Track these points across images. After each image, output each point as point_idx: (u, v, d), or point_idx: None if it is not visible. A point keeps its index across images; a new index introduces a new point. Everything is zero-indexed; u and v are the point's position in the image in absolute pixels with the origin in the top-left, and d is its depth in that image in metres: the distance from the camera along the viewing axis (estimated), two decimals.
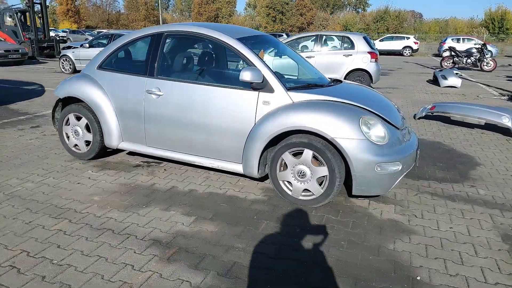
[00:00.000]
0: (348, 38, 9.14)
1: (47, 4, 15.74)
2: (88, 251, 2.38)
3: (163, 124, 3.50)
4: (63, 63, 11.59)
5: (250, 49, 3.29)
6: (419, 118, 6.43)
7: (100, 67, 3.83)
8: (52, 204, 3.00)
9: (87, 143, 3.91)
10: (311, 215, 2.94)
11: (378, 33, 45.06)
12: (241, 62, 3.73)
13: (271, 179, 3.17)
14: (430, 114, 6.35)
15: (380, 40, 27.35)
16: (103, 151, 3.97)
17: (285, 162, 3.09)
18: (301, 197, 3.08)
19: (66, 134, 3.99)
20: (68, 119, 3.95)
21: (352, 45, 9.01)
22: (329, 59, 8.95)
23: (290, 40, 9.50)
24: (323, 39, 9.30)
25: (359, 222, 2.85)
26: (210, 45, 3.94)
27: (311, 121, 2.92)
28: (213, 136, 3.32)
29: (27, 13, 15.77)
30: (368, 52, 8.86)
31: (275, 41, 4.23)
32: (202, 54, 3.96)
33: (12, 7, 16.16)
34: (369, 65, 8.85)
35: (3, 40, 14.81)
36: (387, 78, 12.52)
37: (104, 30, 35.27)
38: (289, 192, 3.11)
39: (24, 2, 15.72)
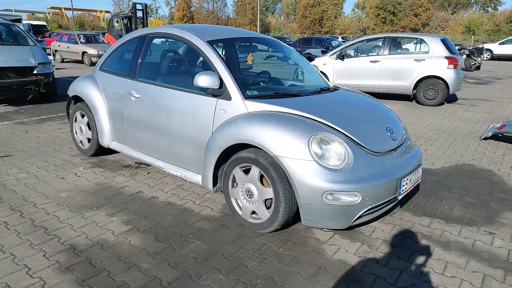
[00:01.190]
0: (423, 40, 8.06)
1: (147, 11, 17.44)
2: (7, 246, 2.46)
3: (138, 127, 3.48)
4: None
5: (216, 52, 3.04)
6: (484, 139, 5.29)
7: (101, 68, 4.00)
8: (23, 196, 3.21)
9: (89, 140, 4.12)
10: (251, 242, 2.58)
11: (511, 35, 39.60)
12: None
13: (224, 195, 2.89)
14: (499, 134, 5.18)
15: (500, 43, 23.68)
16: (105, 149, 4.14)
17: (235, 179, 2.78)
18: (250, 220, 2.73)
19: (75, 130, 4.27)
20: (76, 116, 4.22)
21: (426, 49, 7.91)
22: (396, 64, 8.01)
23: (354, 43, 8.77)
24: (393, 41, 8.35)
25: (300, 259, 2.40)
26: (183, 48, 3.79)
27: (258, 135, 2.56)
28: (176, 143, 3.17)
29: (131, 19, 17.64)
30: (446, 57, 7.67)
31: (275, 44, 3.88)
32: (175, 56, 3.82)
33: (120, 13, 18.30)
34: (446, 72, 7.66)
35: (107, 42, 16.91)
36: (484, 88, 10.72)
37: None
38: (239, 212, 2.79)
39: (129, 9, 17.56)
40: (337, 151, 2.48)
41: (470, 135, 5.50)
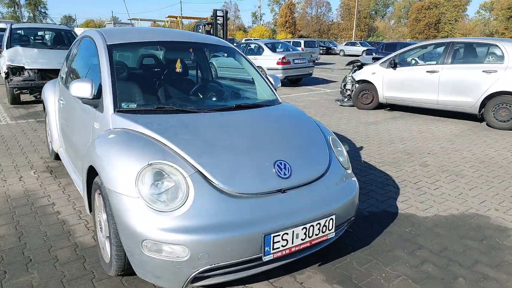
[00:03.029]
0: (496, 46, 6.43)
1: (228, 17, 17.89)
2: None
3: (63, 135, 3.34)
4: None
5: (108, 57, 2.66)
6: None
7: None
8: None
9: None
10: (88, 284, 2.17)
11: None
12: None
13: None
14: None
15: None
16: None
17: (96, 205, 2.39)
18: (103, 256, 2.32)
19: (47, 132, 4.36)
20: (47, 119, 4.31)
21: (500, 57, 6.30)
22: (460, 75, 6.55)
23: (411, 49, 7.46)
24: (458, 47, 6.88)
25: None
26: (92, 51, 3.46)
27: (97, 159, 2.14)
28: (75, 155, 2.92)
29: (211, 25, 18.28)
30: None
31: (226, 48, 3.38)
32: (85, 60, 3.39)
33: (202, 20, 19.13)
34: None
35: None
36: None
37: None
38: (99, 242, 2.40)
39: (210, 16, 18.25)
40: (175, 189, 1.92)
41: None
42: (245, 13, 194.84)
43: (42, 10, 66.72)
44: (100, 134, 2.33)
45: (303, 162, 2.27)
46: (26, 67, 6.86)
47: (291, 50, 12.28)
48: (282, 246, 1.98)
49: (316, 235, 2.10)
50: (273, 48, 11.82)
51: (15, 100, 7.35)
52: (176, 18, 70.08)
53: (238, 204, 1.95)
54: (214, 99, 2.97)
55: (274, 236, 1.93)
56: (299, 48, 19.50)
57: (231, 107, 2.70)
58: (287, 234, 1.98)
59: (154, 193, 1.89)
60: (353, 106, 8.16)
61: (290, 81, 12.25)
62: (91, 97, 2.48)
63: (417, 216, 3.12)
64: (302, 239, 2.04)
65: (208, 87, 3.16)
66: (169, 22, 73.68)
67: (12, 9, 61.43)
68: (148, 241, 1.83)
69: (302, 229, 2.03)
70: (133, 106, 2.49)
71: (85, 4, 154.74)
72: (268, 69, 11.15)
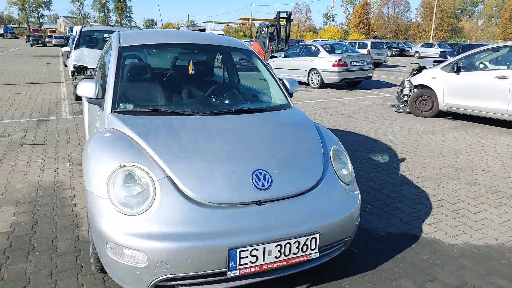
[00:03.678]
0: None
1: (291, 19, 17.72)
2: None
3: (88, 131, 3.53)
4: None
5: (117, 58, 2.73)
6: None
7: None
8: None
9: None
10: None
11: None
12: None
13: None
14: None
15: None
16: None
17: None
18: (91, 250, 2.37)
19: None
20: None
21: None
22: None
23: (477, 52, 6.65)
24: None
25: None
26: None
27: (84, 157, 2.19)
28: None
29: (274, 27, 18.23)
30: None
31: (243, 50, 3.31)
32: (103, 60, 3.50)
33: (266, 22, 19.15)
34: None
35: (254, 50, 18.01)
36: None
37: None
38: None
39: (273, 17, 18.17)
40: (144, 193, 1.88)
41: None
42: (316, 14, 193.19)
43: (128, 15, 72.62)
44: (95, 133, 2.39)
45: (288, 173, 2.10)
46: (88, 67, 7.45)
47: (350, 52, 11.76)
48: (251, 262, 1.84)
49: (294, 254, 1.92)
50: (331, 50, 11.42)
51: (79, 96, 8.03)
52: (248, 20, 71.58)
53: (206, 214, 1.85)
54: (218, 102, 2.90)
55: (240, 251, 1.80)
56: (365, 50, 18.62)
57: (229, 111, 2.61)
58: (256, 250, 1.83)
59: (122, 195, 1.88)
60: (409, 113, 7.54)
61: (348, 84, 11.74)
62: (94, 97, 2.56)
63: (443, 242, 2.74)
64: (276, 257, 1.88)
65: (218, 90, 3.10)
66: (241, 24, 75.55)
67: (103, 13, 67.79)
68: (111, 243, 1.81)
69: (275, 246, 1.86)
70: (130, 107, 2.52)
71: (166, 8, 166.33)
72: (323, 71, 10.81)
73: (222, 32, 36.79)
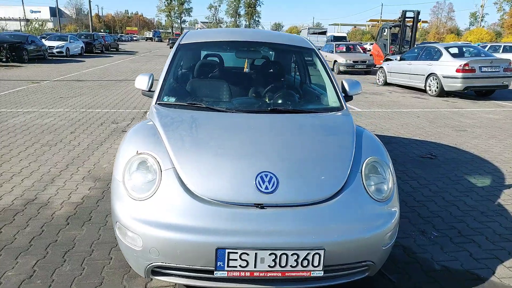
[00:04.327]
0: None
1: (419, 19, 16.14)
2: None
3: None
4: (378, 74, 11.97)
5: (173, 54, 2.88)
6: None
7: None
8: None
9: None
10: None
11: None
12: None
13: None
14: None
15: None
16: None
17: None
18: None
19: None
20: None
21: None
22: None
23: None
24: None
25: None
26: None
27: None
28: None
29: (399, 27, 16.88)
30: None
31: (305, 48, 3.14)
32: None
33: (388, 23, 17.82)
34: None
35: (367, 53, 17.01)
36: None
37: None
38: None
39: (398, 17, 16.78)
40: (151, 180, 1.96)
41: None
42: (461, 14, 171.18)
43: (256, 19, 76.64)
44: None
45: (299, 180, 1.91)
46: None
47: (482, 55, 10.12)
48: (241, 266, 1.74)
49: (292, 266, 1.74)
50: (457, 53, 10.01)
51: None
52: (378, 22, 68.14)
53: (201, 209, 1.82)
54: (267, 101, 2.81)
55: (229, 252, 1.72)
56: (511, 55, 15.80)
57: (265, 110, 2.51)
58: (247, 254, 1.72)
59: (133, 180, 1.98)
60: None
61: (478, 93, 10.15)
62: (147, 90, 2.77)
63: None
64: (270, 266, 1.74)
65: (274, 89, 2.99)
66: (369, 26, 72.22)
67: (234, 18, 73.25)
68: (118, 223, 1.94)
69: (269, 255, 1.73)
70: (172, 100, 2.64)
71: (291, 11, 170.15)
72: (444, 77, 9.55)
73: (344, 34, 35.75)
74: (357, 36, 67.13)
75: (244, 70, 3.47)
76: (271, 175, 1.90)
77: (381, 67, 11.96)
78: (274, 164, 1.96)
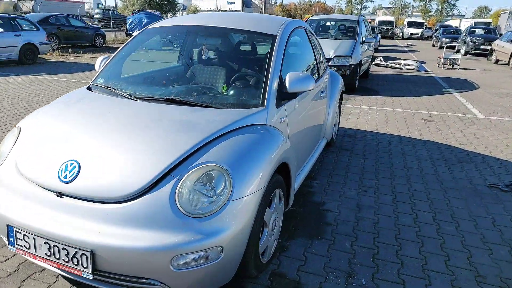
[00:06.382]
0: None
1: None
2: None
3: None
4: None
5: (131, 39, 2.99)
6: None
7: None
8: None
9: None
10: None
11: None
12: None
13: None
14: None
15: None
16: None
17: None
18: None
19: None
20: None
21: None
22: None
23: None
24: None
25: None
26: None
27: None
28: None
29: None
30: None
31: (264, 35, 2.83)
32: None
33: None
34: None
35: None
36: None
37: None
38: None
39: None
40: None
41: None
42: None
43: (452, 2, 66.10)
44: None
45: (102, 175, 1.81)
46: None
47: None
48: (25, 247, 1.81)
49: (65, 261, 1.73)
50: None
51: None
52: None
53: (15, 186, 1.94)
54: (174, 92, 2.59)
55: (16, 231, 1.82)
56: None
57: (161, 99, 2.35)
58: (27, 237, 1.78)
59: None
60: None
61: None
62: (98, 70, 2.87)
63: None
64: (47, 254, 1.76)
65: (212, 79, 2.75)
66: None
67: (424, 2, 65.31)
68: None
69: (44, 243, 1.74)
70: (101, 81, 2.70)
71: None
72: None
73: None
74: None
75: (198, 58, 3.19)
76: (76, 164, 1.86)
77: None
78: (86, 154, 1.91)
